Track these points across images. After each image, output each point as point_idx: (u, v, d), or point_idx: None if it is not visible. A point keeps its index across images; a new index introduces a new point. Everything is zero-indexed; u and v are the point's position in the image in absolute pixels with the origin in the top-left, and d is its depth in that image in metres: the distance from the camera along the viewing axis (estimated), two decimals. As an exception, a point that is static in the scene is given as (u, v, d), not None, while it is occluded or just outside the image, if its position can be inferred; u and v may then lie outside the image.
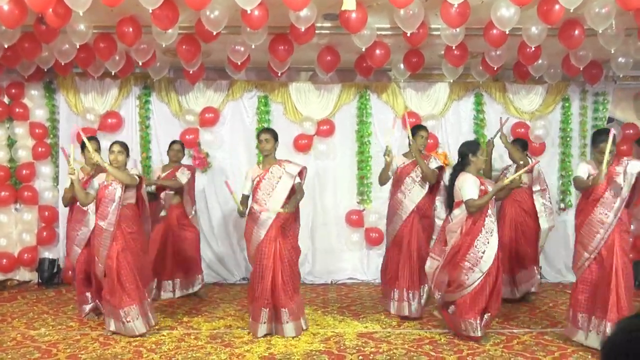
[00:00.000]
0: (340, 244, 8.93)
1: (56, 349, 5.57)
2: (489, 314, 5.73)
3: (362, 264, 8.96)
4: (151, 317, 6.04)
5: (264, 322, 5.85)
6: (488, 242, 5.59)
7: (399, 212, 6.65)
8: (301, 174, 6.09)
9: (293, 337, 5.82)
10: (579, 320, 5.56)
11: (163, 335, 5.98)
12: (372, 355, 5.36)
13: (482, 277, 5.59)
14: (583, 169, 5.65)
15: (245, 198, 6.17)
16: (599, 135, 5.65)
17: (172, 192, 7.56)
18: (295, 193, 6.01)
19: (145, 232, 6.28)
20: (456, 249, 5.68)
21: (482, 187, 5.69)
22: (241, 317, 6.70)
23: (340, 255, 8.90)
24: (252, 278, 6.02)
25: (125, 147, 6.10)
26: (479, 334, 5.68)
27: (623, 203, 5.41)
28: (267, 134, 6.11)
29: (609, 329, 5.31)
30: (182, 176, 7.47)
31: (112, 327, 5.91)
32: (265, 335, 5.85)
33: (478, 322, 5.66)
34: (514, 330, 6.13)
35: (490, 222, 5.66)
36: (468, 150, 5.85)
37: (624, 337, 1.46)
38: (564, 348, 5.52)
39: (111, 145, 6.09)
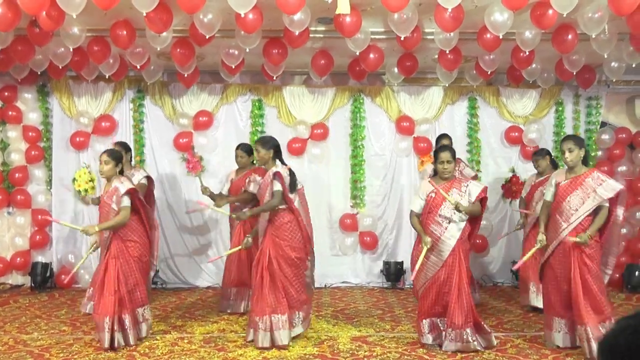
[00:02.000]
0: (334, 248, 8.92)
1: (49, 354, 5.53)
2: (445, 322, 5.55)
3: (355, 268, 8.96)
4: (124, 335, 5.69)
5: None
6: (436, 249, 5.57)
7: None
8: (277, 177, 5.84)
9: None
10: (552, 323, 5.62)
11: (156, 340, 5.95)
12: (365, 358, 5.35)
13: (428, 280, 5.61)
14: (552, 182, 5.67)
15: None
16: (561, 142, 5.66)
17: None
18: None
19: (150, 239, 6.02)
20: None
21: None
22: (235, 321, 6.68)
23: (334, 259, 8.89)
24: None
25: (113, 156, 5.79)
26: (430, 341, 5.64)
27: (583, 216, 5.36)
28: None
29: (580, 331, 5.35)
30: (253, 185, 6.98)
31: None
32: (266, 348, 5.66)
33: (426, 326, 5.66)
34: (508, 334, 6.13)
35: (436, 227, 5.58)
36: None
37: (622, 338, 1.47)
38: (558, 352, 5.52)
39: (101, 155, 5.88)
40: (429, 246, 5.52)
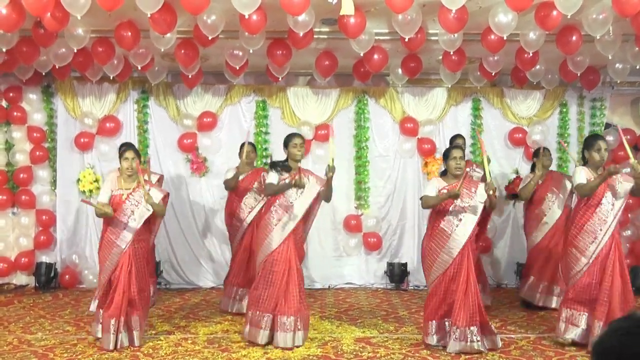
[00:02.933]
0: (338, 249, 8.92)
1: (53, 354, 5.54)
2: (450, 321, 5.53)
3: (359, 269, 8.95)
4: (129, 336, 5.71)
5: (266, 329, 5.74)
6: (445, 246, 5.58)
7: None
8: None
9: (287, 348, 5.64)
10: (575, 319, 5.64)
11: (160, 340, 5.96)
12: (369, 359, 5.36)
13: (436, 279, 5.63)
14: (582, 175, 5.63)
15: (269, 185, 5.85)
16: (594, 139, 5.77)
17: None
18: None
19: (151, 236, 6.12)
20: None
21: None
22: (239, 321, 6.68)
23: (338, 260, 8.89)
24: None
25: (136, 152, 5.91)
26: (434, 342, 5.65)
27: (621, 208, 5.55)
28: (300, 139, 6.00)
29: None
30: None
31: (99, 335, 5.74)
32: (266, 344, 5.73)
33: (432, 326, 5.66)
34: (512, 336, 6.13)
35: (447, 225, 5.60)
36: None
37: (615, 339, 1.49)
38: (562, 353, 5.51)
39: (124, 152, 5.82)
40: (459, 193, 5.46)
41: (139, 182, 5.76)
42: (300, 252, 6.02)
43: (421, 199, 5.79)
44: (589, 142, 5.77)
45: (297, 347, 5.67)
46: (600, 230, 5.52)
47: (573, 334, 5.64)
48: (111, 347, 5.53)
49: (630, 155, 5.53)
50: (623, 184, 5.56)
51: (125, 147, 6.02)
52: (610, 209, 5.53)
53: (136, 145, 8.50)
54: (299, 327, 5.72)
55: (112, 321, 5.54)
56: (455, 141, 7.46)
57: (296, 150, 5.91)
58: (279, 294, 5.71)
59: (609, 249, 5.53)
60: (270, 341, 5.72)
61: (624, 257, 5.64)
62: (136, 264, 5.70)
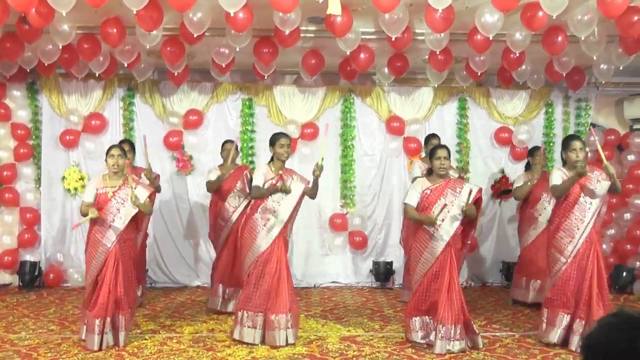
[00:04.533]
0: (324, 248, 8.92)
1: (37, 353, 5.49)
2: (435, 320, 5.53)
3: (345, 268, 8.96)
4: (115, 335, 5.66)
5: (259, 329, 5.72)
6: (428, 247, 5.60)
7: None
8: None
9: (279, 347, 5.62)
10: (557, 320, 5.66)
11: (145, 339, 5.93)
12: (354, 358, 5.35)
13: (420, 277, 5.65)
14: (557, 176, 5.71)
15: (256, 188, 5.81)
16: (569, 139, 5.84)
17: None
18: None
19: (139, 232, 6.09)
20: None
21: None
22: (224, 320, 6.66)
23: (324, 259, 8.89)
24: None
25: (124, 151, 5.84)
26: (418, 339, 5.68)
27: (598, 208, 5.59)
28: (288, 139, 5.97)
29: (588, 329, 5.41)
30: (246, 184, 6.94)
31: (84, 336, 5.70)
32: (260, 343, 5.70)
33: (416, 323, 5.70)
34: (497, 334, 6.16)
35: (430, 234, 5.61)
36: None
37: (603, 335, 1.51)
38: (546, 351, 5.55)
39: (110, 149, 5.78)
40: (438, 222, 5.53)
41: (125, 180, 5.72)
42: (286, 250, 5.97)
43: (405, 204, 5.82)
44: (565, 142, 5.86)
45: (291, 344, 5.66)
46: (578, 229, 5.58)
47: (553, 336, 5.67)
48: (96, 347, 5.48)
49: (603, 157, 5.55)
50: (602, 182, 5.57)
51: (119, 144, 5.99)
52: (587, 208, 5.58)
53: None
54: (290, 325, 5.71)
55: (97, 321, 5.49)
56: (432, 141, 7.42)
57: (282, 150, 5.89)
58: (271, 292, 5.70)
59: (586, 248, 5.58)
60: (262, 340, 5.70)
61: (602, 257, 5.67)
62: (123, 264, 5.65)
